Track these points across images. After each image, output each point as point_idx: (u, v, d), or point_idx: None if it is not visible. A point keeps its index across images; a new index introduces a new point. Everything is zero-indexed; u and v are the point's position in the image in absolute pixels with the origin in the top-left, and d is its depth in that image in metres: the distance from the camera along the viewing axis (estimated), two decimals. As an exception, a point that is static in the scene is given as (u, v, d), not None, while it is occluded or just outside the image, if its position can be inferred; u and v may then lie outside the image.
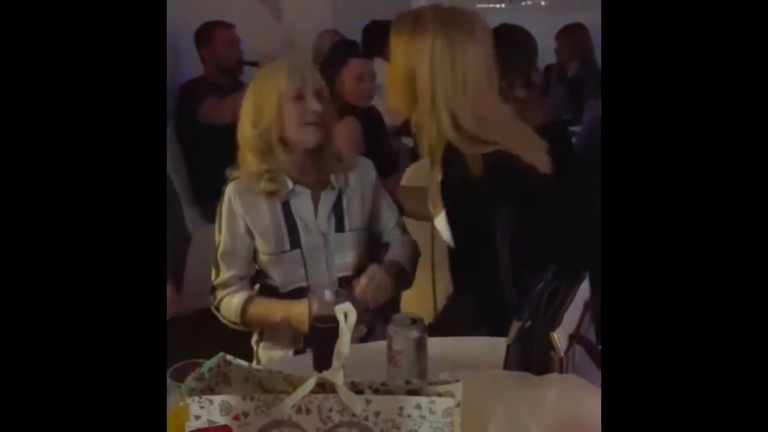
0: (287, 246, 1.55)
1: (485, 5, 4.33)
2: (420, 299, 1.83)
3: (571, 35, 3.85)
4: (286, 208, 1.56)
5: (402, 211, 1.73)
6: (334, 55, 2.59)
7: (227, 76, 3.13)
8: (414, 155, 2.23)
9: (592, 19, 3.89)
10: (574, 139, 2.58)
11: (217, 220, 1.59)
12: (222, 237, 1.57)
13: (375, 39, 3.74)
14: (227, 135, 1.63)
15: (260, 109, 1.52)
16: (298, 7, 4.05)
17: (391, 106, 1.49)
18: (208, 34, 3.14)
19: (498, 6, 4.29)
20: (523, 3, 4.27)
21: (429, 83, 1.36)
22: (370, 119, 2.65)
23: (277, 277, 1.57)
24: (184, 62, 3.23)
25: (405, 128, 3.38)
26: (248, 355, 1.64)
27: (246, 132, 1.54)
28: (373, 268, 1.48)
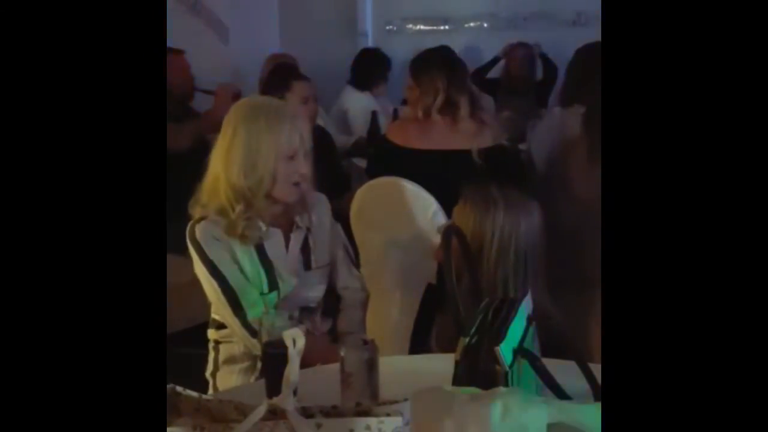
0: (266, 288, 1.55)
1: (429, 27, 4.42)
2: (376, 320, 1.87)
3: (515, 54, 3.96)
4: (261, 250, 1.55)
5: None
6: (276, 78, 2.58)
7: (178, 103, 3.05)
8: (371, 174, 2.24)
9: (532, 37, 4.02)
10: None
11: (202, 269, 1.51)
12: (230, 278, 1.50)
13: (367, 70, 3.78)
14: (183, 162, 1.61)
15: (254, 161, 1.48)
16: (245, 30, 4.06)
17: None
18: (158, 60, 3.07)
19: (442, 28, 4.38)
20: (466, 25, 4.37)
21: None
22: (318, 139, 2.66)
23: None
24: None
25: (356, 149, 3.41)
26: (203, 386, 1.63)
27: (234, 179, 1.49)
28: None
